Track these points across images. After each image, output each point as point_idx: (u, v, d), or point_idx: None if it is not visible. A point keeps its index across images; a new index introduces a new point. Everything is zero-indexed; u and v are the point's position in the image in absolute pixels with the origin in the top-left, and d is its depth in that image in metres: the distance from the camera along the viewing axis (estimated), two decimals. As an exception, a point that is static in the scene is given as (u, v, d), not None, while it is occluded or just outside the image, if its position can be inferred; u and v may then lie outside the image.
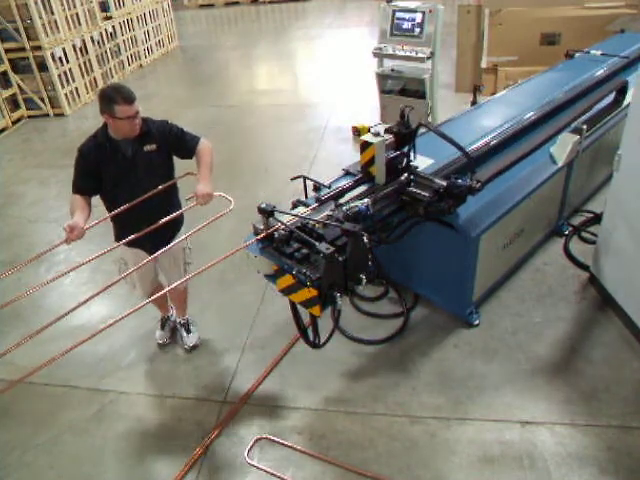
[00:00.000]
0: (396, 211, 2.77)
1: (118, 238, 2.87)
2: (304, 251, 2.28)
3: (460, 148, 2.71)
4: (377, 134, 2.70)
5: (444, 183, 2.67)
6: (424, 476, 2.51)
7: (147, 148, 2.70)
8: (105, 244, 2.71)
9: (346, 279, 2.24)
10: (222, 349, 3.33)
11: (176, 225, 2.96)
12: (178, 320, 3.46)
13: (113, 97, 2.51)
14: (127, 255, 2.99)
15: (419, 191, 2.68)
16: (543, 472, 2.47)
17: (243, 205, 2.74)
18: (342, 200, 2.60)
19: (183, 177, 2.85)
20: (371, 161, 2.72)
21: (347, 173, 2.95)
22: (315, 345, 2.70)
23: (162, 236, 2.79)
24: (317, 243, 2.18)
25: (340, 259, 2.16)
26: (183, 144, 2.80)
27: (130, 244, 2.77)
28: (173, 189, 2.88)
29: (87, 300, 2.17)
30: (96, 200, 2.76)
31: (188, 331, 3.40)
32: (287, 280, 2.28)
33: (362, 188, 2.75)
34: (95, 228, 2.55)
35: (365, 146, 2.72)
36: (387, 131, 2.79)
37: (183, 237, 2.82)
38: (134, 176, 2.70)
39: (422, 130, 2.91)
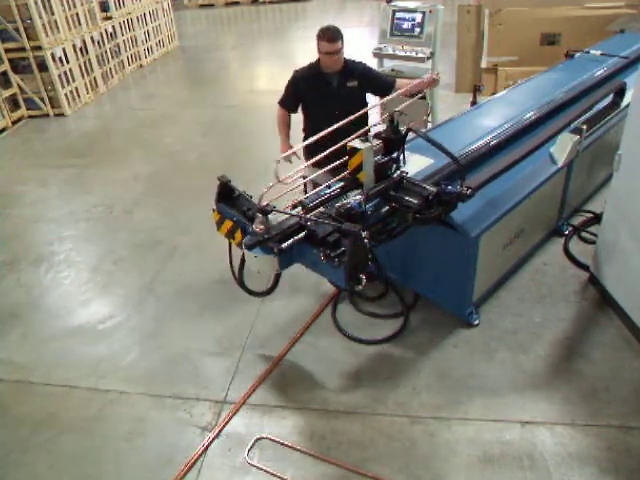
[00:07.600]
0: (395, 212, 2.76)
1: (308, 156, 3.25)
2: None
3: (449, 154, 2.66)
4: (365, 140, 2.65)
5: (434, 189, 2.58)
6: (424, 476, 2.51)
7: (350, 84, 3.34)
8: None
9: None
10: (222, 349, 3.33)
11: None
12: None
13: (320, 34, 3.22)
14: (309, 172, 3.12)
15: (407, 198, 2.60)
16: (543, 472, 2.47)
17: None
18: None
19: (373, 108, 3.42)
20: (359, 167, 2.66)
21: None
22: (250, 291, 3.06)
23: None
24: None
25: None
26: (382, 83, 3.51)
27: (315, 164, 2.96)
28: (365, 122, 3.30)
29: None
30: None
31: None
32: (227, 224, 2.61)
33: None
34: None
35: (353, 152, 2.65)
36: (376, 136, 2.76)
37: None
38: (334, 103, 3.25)
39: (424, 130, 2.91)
